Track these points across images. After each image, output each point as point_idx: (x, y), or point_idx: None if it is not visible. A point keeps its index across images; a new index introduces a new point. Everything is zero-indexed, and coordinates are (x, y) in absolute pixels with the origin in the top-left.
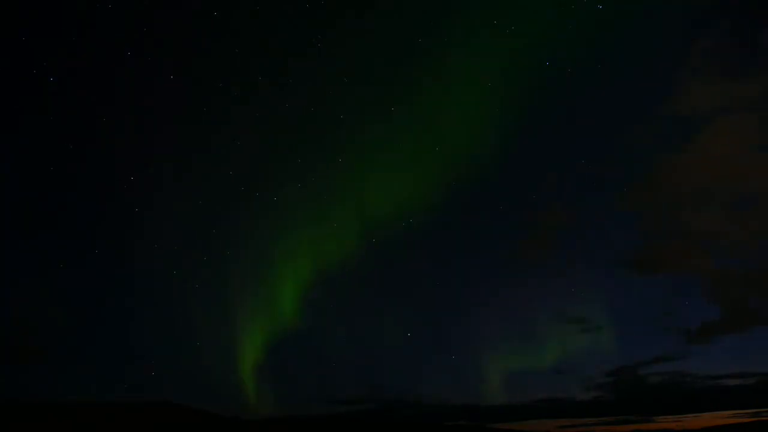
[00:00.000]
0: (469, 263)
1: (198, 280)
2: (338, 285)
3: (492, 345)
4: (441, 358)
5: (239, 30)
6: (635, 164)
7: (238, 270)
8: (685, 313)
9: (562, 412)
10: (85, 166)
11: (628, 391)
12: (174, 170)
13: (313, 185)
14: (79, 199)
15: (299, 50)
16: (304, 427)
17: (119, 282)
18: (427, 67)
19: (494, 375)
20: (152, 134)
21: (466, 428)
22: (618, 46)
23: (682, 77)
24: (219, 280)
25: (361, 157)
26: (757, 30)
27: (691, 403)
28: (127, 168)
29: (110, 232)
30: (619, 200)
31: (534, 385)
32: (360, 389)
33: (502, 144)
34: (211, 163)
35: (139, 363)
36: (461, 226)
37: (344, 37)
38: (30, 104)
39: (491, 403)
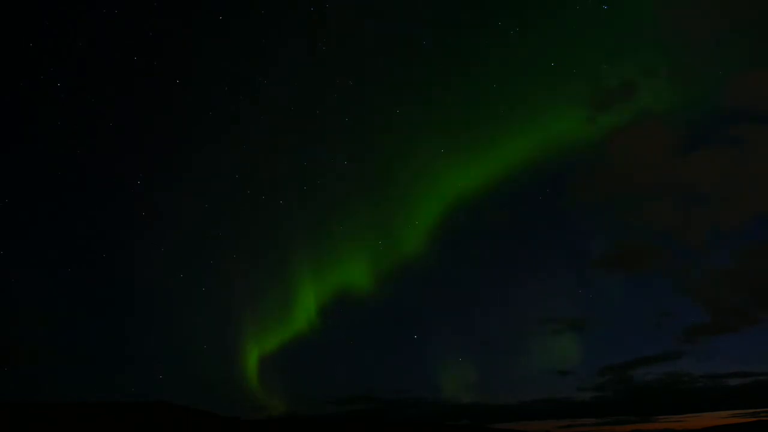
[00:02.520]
0: (467, 264)
1: (203, 283)
2: (340, 287)
3: (492, 345)
4: (441, 358)
5: (244, 33)
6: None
7: (243, 273)
8: (676, 312)
9: (562, 412)
10: (91, 170)
11: (627, 391)
12: (179, 174)
13: (318, 188)
14: (86, 204)
15: (304, 53)
16: (305, 427)
17: (125, 285)
18: (430, 69)
19: (494, 375)
20: (158, 138)
21: (466, 428)
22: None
23: None
24: (224, 283)
25: (366, 160)
26: None
27: (689, 402)
28: (133, 172)
29: (116, 235)
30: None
31: (534, 385)
32: (360, 389)
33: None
34: (217, 167)
35: (144, 365)
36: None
37: (349, 40)
38: (37, 109)
39: (491, 403)
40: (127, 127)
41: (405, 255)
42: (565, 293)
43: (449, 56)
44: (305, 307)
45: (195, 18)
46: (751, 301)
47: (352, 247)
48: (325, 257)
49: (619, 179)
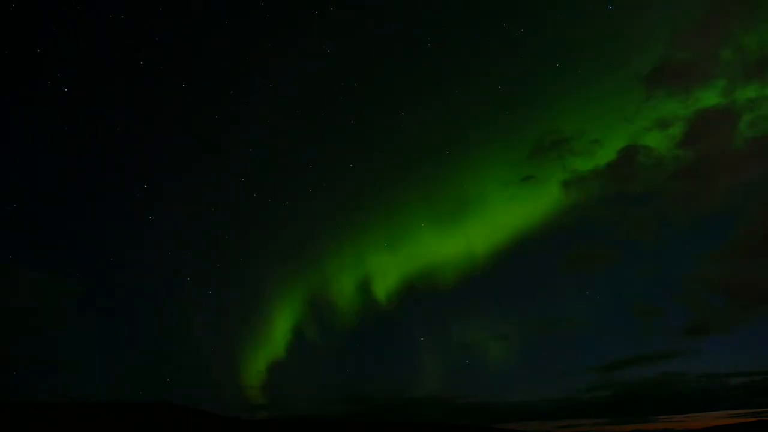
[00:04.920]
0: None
1: (206, 285)
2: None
3: (492, 346)
4: (441, 359)
5: (247, 35)
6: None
7: (246, 276)
8: (672, 312)
9: (561, 412)
10: (97, 175)
11: (626, 391)
12: (186, 178)
13: (322, 190)
14: (93, 207)
15: (308, 56)
16: (305, 427)
17: (131, 288)
18: (435, 70)
19: (494, 375)
20: (164, 143)
21: (467, 428)
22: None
23: None
24: (226, 284)
25: (370, 161)
26: None
27: (688, 402)
28: (140, 176)
29: (120, 237)
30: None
31: (534, 386)
32: (360, 389)
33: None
34: (223, 171)
35: (145, 365)
36: None
37: (353, 42)
38: (43, 114)
39: (491, 402)
40: (134, 132)
41: (405, 256)
42: (565, 294)
43: (455, 59)
44: (306, 307)
45: (199, 21)
46: (740, 301)
47: (354, 248)
48: (325, 259)
49: None
